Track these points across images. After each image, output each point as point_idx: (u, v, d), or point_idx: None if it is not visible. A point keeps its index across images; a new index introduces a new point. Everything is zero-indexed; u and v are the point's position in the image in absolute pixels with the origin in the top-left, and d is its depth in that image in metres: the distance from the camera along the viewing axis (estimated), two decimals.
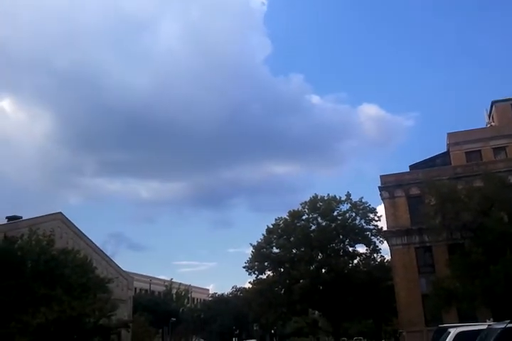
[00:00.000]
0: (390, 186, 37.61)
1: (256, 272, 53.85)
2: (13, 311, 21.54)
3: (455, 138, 41.42)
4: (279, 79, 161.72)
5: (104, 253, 55.14)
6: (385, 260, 52.21)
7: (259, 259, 53.13)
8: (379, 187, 38.15)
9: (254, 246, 53.40)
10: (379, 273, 49.11)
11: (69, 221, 50.16)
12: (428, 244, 35.54)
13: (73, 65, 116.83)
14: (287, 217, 52.92)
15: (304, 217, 52.96)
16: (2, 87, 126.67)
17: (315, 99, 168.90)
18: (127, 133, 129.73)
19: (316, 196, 53.18)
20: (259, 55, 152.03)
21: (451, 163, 40.05)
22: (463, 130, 42.55)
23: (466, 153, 40.50)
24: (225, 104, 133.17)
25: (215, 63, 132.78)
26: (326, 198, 52.72)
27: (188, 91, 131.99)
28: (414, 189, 36.65)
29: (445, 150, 43.38)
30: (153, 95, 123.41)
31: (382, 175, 38.89)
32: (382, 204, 39.02)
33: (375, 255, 53.13)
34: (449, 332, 14.10)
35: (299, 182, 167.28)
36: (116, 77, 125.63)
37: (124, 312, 46.63)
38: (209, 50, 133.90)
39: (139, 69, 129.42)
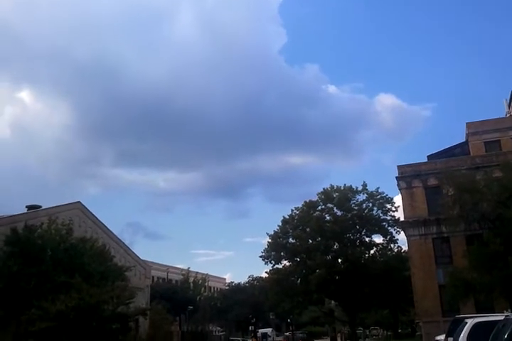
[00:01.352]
0: (407, 176, 37.39)
1: (272, 262, 54.10)
2: (33, 298, 21.93)
3: (474, 128, 40.96)
4: (295, 70, 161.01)
5: (122, 241, 55.71)
6: (402, 250, 52.09)
7: (275, 249, 53.29)
8: (396, 177, 37.96)
9: (270, 236, 53.58)
10: (396, 264, 49.05)
11: (87, 210, 50.71)
12: (446, 235, 35.35)
13: (91, 56, 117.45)
14: (303, 208, 52.94)
15: (319, 208, 52.93)
16: (21, 78, 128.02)
17: (331, 89, 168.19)
18: (144, 124, 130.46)
19: (332, 186, 53.07)
20: (275, 45, 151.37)
21: (469, 153, 39.65)
22: (482, 120, 42.06)
23: (485, 142, 40.04)
24: (241, 95, 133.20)
25: (230, 53, 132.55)
26: (342, 188, 52.59)
27: (204, 81, 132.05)
28: (432, 179, 36.39)
29: (464, 140, 42.96)
30: (170, 85, 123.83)
31: (400, 165, 38.67)
32: (400, 195, 38.87)
33: (391, 245, 53.01)
34: (466, 323, 14.07)
35: (315, 173, 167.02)
36: (134, 68, 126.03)
37: (141, 300, 47.18)
38: (225, 40, 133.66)
39: (156, 59, 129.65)
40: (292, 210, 53.67)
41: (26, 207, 46.48)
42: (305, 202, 53.16)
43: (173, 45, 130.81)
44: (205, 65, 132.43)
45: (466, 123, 42.15)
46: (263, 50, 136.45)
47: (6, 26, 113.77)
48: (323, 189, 53.03)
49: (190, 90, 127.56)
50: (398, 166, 38.64)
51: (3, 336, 33.77)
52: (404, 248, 49.72)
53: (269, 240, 53.53)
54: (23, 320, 17.65)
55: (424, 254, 35.40)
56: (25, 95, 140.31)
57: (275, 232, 53.39)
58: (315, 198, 53.15)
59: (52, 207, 45.25)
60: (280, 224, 53.59)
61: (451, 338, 15.83)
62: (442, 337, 20.22)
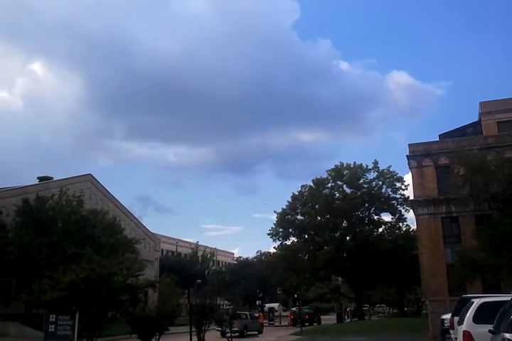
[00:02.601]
0: (418, 155, 37.13)
1: (280, 238, 54.45)
2: (44, 268, 22.26)
3: (487, 108, 40.42)
4: (307, 45, 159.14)
5: (132, 214, 56.28)
6: (411, 229, 52.18)
7: (283, 226, 53.56)
8: (407, 156, 37.74)
9: (278, 213, 53.79)
10: (403, 242, 49.19)
11: (98, 182, 51.11)
12: (455, 215, 35.24)
13: (103, 30, 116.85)
14: (312, 185, 52.97)
15: (328, 185, 52.95)
16: (33, 50, 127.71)
17: (343, 65, 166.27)
18: (155, 98, 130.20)
19: (342, 164, 52.97)
20: (288, 20, 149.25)
21: (482, 133, 39.23)
22: (496, 99, 41.49)
23: (498, 122, 39.55)
24: (253, 70, 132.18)
25: (243, 29, 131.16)
26: (352, 166, 52.48)
27: (215, 56, 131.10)
28: (443, 158, 36.11)
29: (477, 119, 42.50)
30: (181, 60, 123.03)
31: (411, 144, 38.39)
32: (410, 174, 38.71)
33: (400, 224, 53.17)
34: (473, 302, 14.12)
35: (325, 150, 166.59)
36: (146, 43, 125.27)
37: (151, 273, 47.88)
38: (237, 16, 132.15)
39: (168, 34, 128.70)
40: (302, 186, 53.76)
41: (38, 178, 46.93)
42: (314, 179, 53.17)
43: (185, 21, 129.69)
44: (217, 40, 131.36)
45: (480, 102, 41.61)
46: (276, 25, 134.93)
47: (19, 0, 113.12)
48: (335, 165, 52.97)
49: (201, 65, 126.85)
50: (409, 145, 38.37)
51: (16, 305, 34.50)
52: (413, 227, 49.85)
53: (277, 217, 53.75)
54: (34, 289, 17.93)
55: (432, 233, 35.39)
56: (37, 67, 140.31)
57: (283, 209, 53.55)
58: (324, 175, 53.17)
59: (64, 179, 45.69)
60: (289, 200, 53.74)
61: (457, 317, 15.92)
62: (448, 316, 20.33)
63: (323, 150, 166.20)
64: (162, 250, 70.75)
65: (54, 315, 16.20)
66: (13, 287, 36.46)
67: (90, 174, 50.53)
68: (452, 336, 18.16)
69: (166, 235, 79.76)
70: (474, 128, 41.29)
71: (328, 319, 60.26)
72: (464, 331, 13.44)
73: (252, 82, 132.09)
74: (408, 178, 48.05)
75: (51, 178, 46.45)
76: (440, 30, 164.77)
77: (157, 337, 18.20)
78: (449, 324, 19.54)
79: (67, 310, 16.45)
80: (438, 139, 40.11)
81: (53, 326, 16.04)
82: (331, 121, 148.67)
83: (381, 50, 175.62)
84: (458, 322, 15.24)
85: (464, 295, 19.96)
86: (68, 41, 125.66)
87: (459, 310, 16.31)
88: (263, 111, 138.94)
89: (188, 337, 21.36)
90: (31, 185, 43.05)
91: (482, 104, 41.25)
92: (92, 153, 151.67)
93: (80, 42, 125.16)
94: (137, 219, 57.08)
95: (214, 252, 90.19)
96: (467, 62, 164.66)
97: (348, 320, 58.46)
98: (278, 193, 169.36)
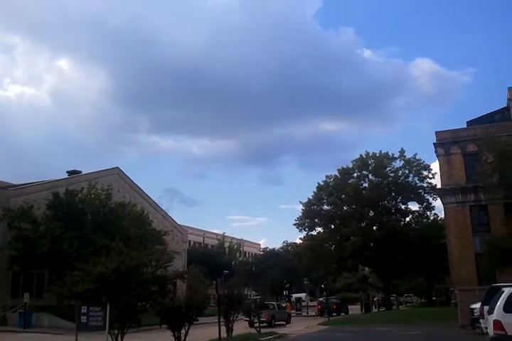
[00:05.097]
0: (445, 143, 36.66)
1: (306, 229, 54.39)
2: (75, 260, 22.70)
3: None
4: (330, 33, 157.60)
5: (159, 207, 56.94)
6: (438, 218, 51.62)
7: (309, 216, 53.47)
8: (434, 143, 37.27)
9: (304, 204, 53.71)
10: (431, 231, 48.66)
11: (126, 175, 51.77)
12: (484, 203, 34.77)
13: (126, 24, 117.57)
14: (338, 175, 52.72)
15: (354, 175, 52.65)
16: (59, 46, 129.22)
17: (367, 53, 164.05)
18: (179, 91, 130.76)
19: (368, 153, 52.54)
20: (310, 9, 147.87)
21: (510, 119, 38.50)
22: None
23: None
24: (275, 60, 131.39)
25: (265, 19, 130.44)
26: (378, 155, 52.04)
27: (238, 48, 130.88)
28: (471, 146, 35.59)
29: (505, 105, 41.70)
30: (203, 52, 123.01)
31: (438, 131, 37.88)
32: (437, 162, 38.23)
33: (427, 213, 52.60)
34: (503, 291, 13.97)
35: (349, 140, 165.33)
36: (168, 35, 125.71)
37: (179, 264, 48.43)
38: (259, 6, 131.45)
39: (191, 26, 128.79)
40: (326, 177, 53.55)
41: (67, 172, 47.79)
42: (340, 168, 52.89)
43: (207, 12, 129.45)
44: (239, 31, 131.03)
45: (508, 87, 40.81)
46: (298, 14, 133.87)
47: None
48: (362, 155, 52.60)
49: (224, 57, 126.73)
50: (436, 132, 37.88)
51: (48, 297, 35.29)
52: (441, 216, 49.31)
53: (303, 207, 53.69)
54: (66, 281, 18.30)
55: (460, 222, 35.00)
56: (63, 63, 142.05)
57: (309, 200, 53.42)
58: (349, 165, 52.85)
59: (92, 173, 46.42)
60: (315, 190, 53.60)
61: (487, 306, 15.79)
62: (478, 305, 20.18)
63: (348, 140, 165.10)
64: (189, 241, 71.49)
65: (85, 307, 16.51)
66: (45, 279, 37.31)
67: (118, 167, 51.18)
68: (482, 325, 18.03)
69: (193, 227, 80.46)
70: (502, 114, 40.55)
71: (356, 309, 60.18)
72: (494, 320, 13.33)
73: (274, 73, 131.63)
74: (435, 166, 47.49)
75: (80, 172, 47.21)
76: (464, 16, 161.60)
77: (186, 327, 18.39)
78: (478, 313, 19.40)
79: (98, 302, 16.75)
80: (465, 126, 39.51)
81: (85, 317, 16.36)
82: (355, 110, 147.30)
83: (404, 37, 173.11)
84: (488, 312, 15.11)
85: (493, 284, 19.76)
86: (92, 36, 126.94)
87: (489, 299, 16.15)
88: (286, 101, 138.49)
89: (217, 327, 21.57)
90: (61, 179, 43.85)
91: (510, 90, 40.47)
92: (119, 147, 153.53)
93: (103, 36, 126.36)
94: (165, 212, 57.72)
95: (240, 243, 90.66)
96: (493, 48, 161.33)
97: (375, 310, 58.32)
98: (302, 184, 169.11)
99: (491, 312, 14.22)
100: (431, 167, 51.47)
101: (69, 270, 19.29)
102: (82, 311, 16.36)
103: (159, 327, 22.33)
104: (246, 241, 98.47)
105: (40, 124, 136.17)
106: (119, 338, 16.62)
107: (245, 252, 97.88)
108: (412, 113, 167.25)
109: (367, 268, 65.08)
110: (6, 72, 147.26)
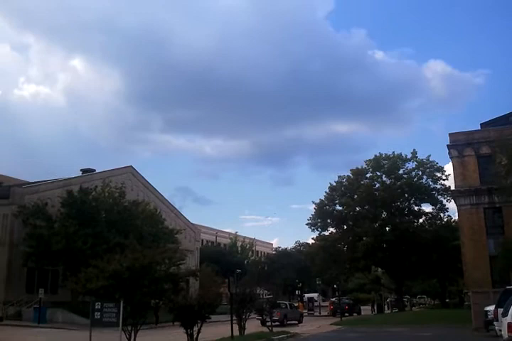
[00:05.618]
0: (459, 144, 36.50)
1: (319, 229, 54.36)
2: (90, 257, 22.90)
3: None
4: (341, 35, 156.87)
5: (172, 205, 57.23)
6: (452, 220, 51.34)
7: (321, 216, 53.43)
8: (447, 145, 37.11)
9: (316, 204, 53.68)
10: (445, 233, 48.42)
11: (139, 174, 52.10)
12: (498, 205, 34.58)
13: (138, 25, 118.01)
14: (351, 175, 52.62)
15: (368, 175, 52.52)
16: (73, 46, 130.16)
17: (379, 54, 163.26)
18: (191, 92, 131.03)
19: (381, 154, 52.37)
20: (321, 10, 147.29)
21: None
22: None
23: None
24: (287, 61, 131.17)
25: (276, 20, 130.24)
26: (391, 156, 51.88)
27: (249, 48, 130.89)
28: (485, 148, 35.41)
29: None
30: (216, 53, 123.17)
31: (452, 133, 37.72)
32: (451, 163, 38.08)
33: (441, 214, 52.31)
34: None
35: (362, 142, 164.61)
36: (180, 36, 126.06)
37: (191, 262, 48.69)
38: (270, 7, 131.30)
39: (202, 27, 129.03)
40: (339, 177, 53.46)
41: (81, 170, 48.18)
42: (353, 169, 52.77)
43: (218, 13, 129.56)
44: (251, 32, 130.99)
45: None
46: (309, 15, 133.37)
47: None
48: (375, 155, 52.45)
49: (236, 58, 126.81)
50: (450, 134, 37.71)
51: (63, 293, 35.65)
52: (454, 217, 49.03)
53: (316, 208, 53.65)
54: (80, 278, 18.49)
55: (474, 224, 34.82)
56: (77, 63, 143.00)
57: (321, 200, 53.39)
58: (361, 166, 52.74)
59: (105, 171, 46.78)
60: (327, 191, 53.54)
61: (501, 309, 15.72)
62: (492, 307, 20.06)
63: (360, 141, 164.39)
64: (202, 240, 71.75)
65: (99, 303, 16.63)
66: (59, 276, 37.69)
67: (131, 166, 51.49)
68: (496, 328, 17.94)
69: (206, 225, 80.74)
70: None
71: (369, 309, 60.01)
72: (508, 323, 13.30)
73: (286, 74, 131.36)
74: (449, 168, 47.27)
75: (93, 170, 47.58)
76: (476, 18, 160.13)
77: (199, 324, 18.50)
78: (492, 316, 19.29)
79: (112, 298, 16.90)
80: (479, 128, 39.27)
81: (99, 313, 16.48)
82: (368, 111, 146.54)
83: (417, 39, 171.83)
84: (502, 314, 15.06)
85: (508, 287, 19.66)
86: (106, 37, 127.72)
87: (503, 302, 16.09)
88: (298, 102, 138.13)
89: (229, 325, 21.66)
90: (75, 177, 44.24)
91: None
92: (132, 146, 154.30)
93: (116, 37, 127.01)
94: (177, 210, 57.99)
95: (253, 242, 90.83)
96: (506, 50, 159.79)
97: (388, 311, 58.10)
98: (314, 185, 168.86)
99: (505, 314, 14.18)
100: (444, 168, 51.29)
101: (83, 267, 19.48)
102: (96, 307, 16.49)
103: (172, 324, 22.45)
104: (258, 240, 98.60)
105: (54, 123, 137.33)
106: (133, 334, 16.75)
107: (257, 251, 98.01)
108: (425, 114, 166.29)
109: (379, 269, 64.86)
110: (21, 72, 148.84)
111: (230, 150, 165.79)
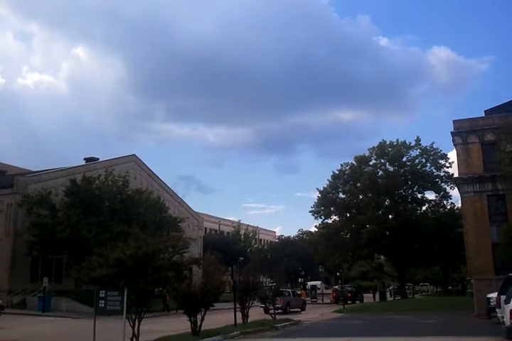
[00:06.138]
0: (463, 131, 36.34)
1: (322, 216, 54.40)
2: (93, 246, 22.98)
3: None
4: (346, 21, 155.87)
5: (176, 194, 57.25)
6: (455, 207, 51.29)
7: (325, 204, 53.45)
8: (451, 132, 36.95)
9: (320, 191, 53.65)
10: (448, 221, 48.45)
11: (142, 163, 52.04)
12: (501, 192, 34.52)
13: (141, 13, 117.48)
14: (354, 163, 52.50)
15: (371, 163, 52.40)
16: (76, 34, 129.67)
17: (383, 41, 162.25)
18: (194, 80, 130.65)
19: (385, 142, 52.21)
20: None
21: None
22: None
23: None
24: (291, 48, 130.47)
25: (280, 7, 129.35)
26: (395, 144, 51.71)
27: (253, 36, 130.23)
28: (489, 135, 35.27)
29: None
30: (219, 41, 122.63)
31: (456, 120, 37.52)
32: (454, 151, 37.94)
33: (444, 202, 52.28)
34: None
35: (366, 129, 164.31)
36: (183, 24, 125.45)
37: (195, 250, 48.76)
38: None
39: (205, 15, 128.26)
40: (342, 165, 53.37)
41: (84, 159, 48.13)
42: (356, 157, 52.64)
43: (221, 0, 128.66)
44: (254, 19, 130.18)
45: None
46: (313, 1, 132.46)
47: None
48: (380, 142, 52.26)
49: (239, 45, 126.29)
50: (454, 121, 37.51)
51: (67, 281, 35.85)
52: (458, 205, 48.98)
53: (319, 195, 53.64)
54: (84, 266, 18.52)
55: (478, 212, 34.79)
56: (80, 51, 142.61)
57: (324, 188, 53.37)
58: (365, 153, 52.58)
59: (109, 160, 46.70)
60: (330, 178, 53.50)
61: (504, 296, 15.76)
62: (494, 294, 20.11)
63: (364, 128, 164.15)
64: (205, 228, 71.91)
65: (103, 291, 16.66)
66: (63, 264, 37.84)
67: (135, 154, 51.42)
68: (498, 315, 17.99)
69: (209, 214, 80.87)
70: None
71: (371, 297, 60.21)
72: (511, 310, 13.31)
73: (289, 60, 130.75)
74: (452, 155, 47.14)
75: (97, 159, 47.52)
76: (481, 4, 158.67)
77: (202, 312, 18.59)
78: (495, 303, 19.35)
79: (115, 287, 16.94)
80: (483, 115, 39.05)
81: (103, 301, 16.52)
82: (372, 98, 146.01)
83: (421, 25, 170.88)
84: (504, 301, 15.09)
85: (510, 274, 19.68)
86: (109, 25, 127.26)
87: (506, 289, 16.14)
88: (302, 89, 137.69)
89: (233, 313, 21.77)
90: (78, 166, 44.21)
91: None
92: (135, 134, 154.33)
93: (119, 25, 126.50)
94: (181, 199, 58.03)
95: (256, 230, 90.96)
96: (511, 36, 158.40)
97: (390, 299, 58.29)
98: (318, 172, 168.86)
99: (507, 301, 14.20)
100: (448, 156, 51.13)
101: (87, 255, 19.52)
102: (100, 296, 16.52)
103: (176, 312, 22.62)
104: (261, 228, 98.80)
105: (58, 112, 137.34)
106: (137, 322, 16.82)
107: (261, 240, 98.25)
108: (429, 101, 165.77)
109: (382, 257, 65.00)
110: (24, 60, 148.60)
111: (233, 138, 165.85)
